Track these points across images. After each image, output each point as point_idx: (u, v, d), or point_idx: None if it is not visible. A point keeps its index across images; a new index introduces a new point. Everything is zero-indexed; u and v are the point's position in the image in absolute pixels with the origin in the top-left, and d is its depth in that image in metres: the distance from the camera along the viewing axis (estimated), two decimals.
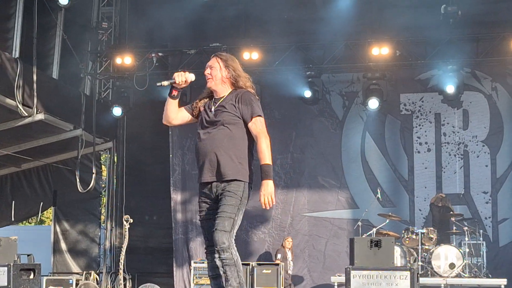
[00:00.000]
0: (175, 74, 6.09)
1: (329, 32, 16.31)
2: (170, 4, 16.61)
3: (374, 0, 16.36)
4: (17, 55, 14.75)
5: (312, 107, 17.26)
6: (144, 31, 17.58)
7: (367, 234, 14.57)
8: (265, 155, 5.84)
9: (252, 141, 6.02)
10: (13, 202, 17.99)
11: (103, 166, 19.65)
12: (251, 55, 16.48)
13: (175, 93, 6.15)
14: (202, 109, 6.21)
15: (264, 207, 5.83)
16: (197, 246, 17.35)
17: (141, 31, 17.65)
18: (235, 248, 5.86)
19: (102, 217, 19.34)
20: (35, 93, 14.51)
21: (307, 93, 16.70)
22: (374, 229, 14.75)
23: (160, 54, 17.20)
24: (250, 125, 5.96)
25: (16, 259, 12.75)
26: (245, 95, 6.05)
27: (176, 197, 17.66)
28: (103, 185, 19.04)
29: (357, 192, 17.08)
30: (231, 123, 5.96)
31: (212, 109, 6.09)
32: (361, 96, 16.88)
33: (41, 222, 32.58)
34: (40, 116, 14.88)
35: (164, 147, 17.72)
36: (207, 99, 6.25)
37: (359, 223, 15.14)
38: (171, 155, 17.71)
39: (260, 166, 5.82)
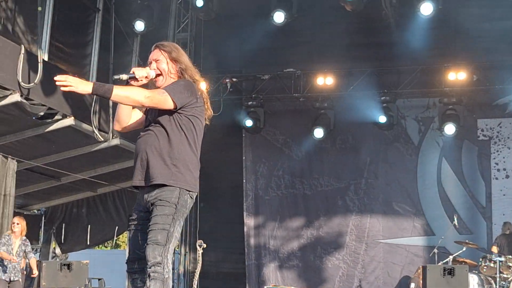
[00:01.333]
0: (134, 68, 5.23)
1: (405, 57, 16.17)
2: (244, 30, 16.67)
3: (450, 25, 16.14)
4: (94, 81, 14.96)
5: (387, 133, 17.09)
6: (218, 56, 17.68)
7: (443, 261, 14.27)
8: (122, 87, 4.98)
9: (193, 143, 5.19)
10: (89, 226, 18.22)
11: None
12: (325, 80, 16.44)
13: None
14: None
15: (57, 79, 4.83)
16: (270, 271, 17.29)
17: (215, 57, 17.74)
18: (170, 266, 5.00)
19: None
20: (111, 118, 14.68)
21: (382, 119, 16.52)
22: (451, 257, 14.44)
23: (234, 79, 17.26)
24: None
25: (87, 283, 12.89)
26: (177, 81, 5.21)
27: (249, 222, 17.65)
28: None
29: (433, 219, 16.80)
30: (167, 121, 5.11)
31: None
32: (437, 122, 16.64)
33: (117, 246, 32.97)
34: (115, 141, 15.05)
35: (237, 173, 17.75)
36: None
37: (435, 250, 14.83)
38: (244, 180, 17.73)
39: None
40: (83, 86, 4.82)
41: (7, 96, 12.49)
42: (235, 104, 17.32)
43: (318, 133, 16.64)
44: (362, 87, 16.47)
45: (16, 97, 12.52)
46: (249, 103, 17.04)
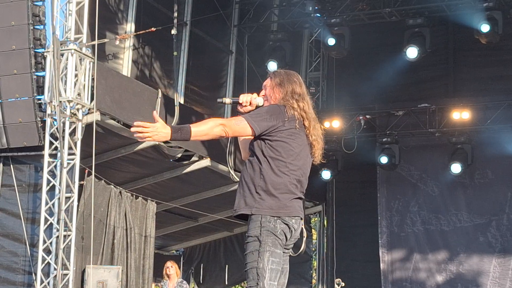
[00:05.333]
0: (242, 95, 5.11)
1: None
2: (376, 66, 16.62)
3: None
4: None
5: None
6: (351, 94, 17.66)
7: None
8: (198, 124, 4.74)
9: (281, 167, 4.91)
10: (227, 266, 18.38)
11: (313, 230, 19.73)
12: (461, 114, 16.15)
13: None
14: None
15: (133, 131, 4.61)
16: None
17: (348, 94, 17.73)
18: None
19: (313, 281, 19.35)
20: None
21: None
22: None
23: (367, 116, 17.16)
24: None
25: None
26: (262, 107, 5.05)
27: (386, 259, 17.42)
28: (313, 249, 19.09)
29: None
30: (255, 149, 4.93)
31: None
32: None
33: None
34: None
35: (372, 210, 17.59)
36: None
37: None
38: (379, 217, 17.54)
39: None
40: (161, 135, 4.64)
41: None
42: (369, 141, 17.20)
43: (456, 168, 16.33)
44: (500, 121, 16.09)
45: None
46: (384, 139, 16.88)
